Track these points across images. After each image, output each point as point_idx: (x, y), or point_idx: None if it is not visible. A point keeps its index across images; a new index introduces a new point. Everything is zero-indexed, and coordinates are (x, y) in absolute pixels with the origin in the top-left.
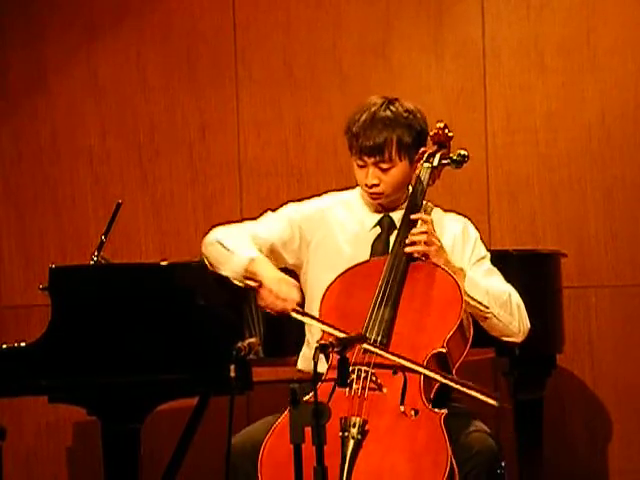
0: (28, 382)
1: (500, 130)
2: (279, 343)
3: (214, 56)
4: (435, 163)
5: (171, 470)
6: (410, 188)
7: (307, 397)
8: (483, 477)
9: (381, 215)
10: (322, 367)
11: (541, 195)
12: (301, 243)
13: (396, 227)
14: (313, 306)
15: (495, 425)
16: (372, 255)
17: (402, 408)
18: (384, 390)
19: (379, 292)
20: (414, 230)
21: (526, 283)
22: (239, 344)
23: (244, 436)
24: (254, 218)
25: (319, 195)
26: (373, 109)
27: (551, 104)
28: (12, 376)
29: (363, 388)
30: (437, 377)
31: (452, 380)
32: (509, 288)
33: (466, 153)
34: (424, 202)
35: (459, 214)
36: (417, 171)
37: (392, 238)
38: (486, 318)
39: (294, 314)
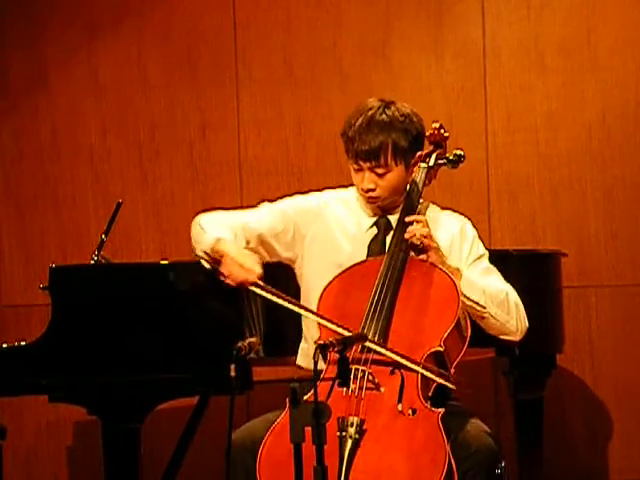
0: (28, 381)
1: (500, 130)
2: (279, 342)
3: (214, 55)
4: (431, 163)
5: (171, 469)
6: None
7: (306, 396)
8: (482, 476)
9: (378, 216)
10: (321, 364)
11: (541, 195)
12: (295, 236)
13: (392, 228)
14: (310, 298)
15: (495, 425)
16: (369, 256)
17: (400, 407)
18: (381, 389)
19: (376, 291)
20: (411, 227)
21: (526, 283)
22: (239, 343)
23: (244, 432)
24: None
25: (319, 191)
26: (369, 113)
27: (551, 104)
28: (12, 375)
29: (360, 387)
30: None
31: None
32: (507, 287)
33: (462, 153)
34: (420, 201)
35: (455, 211)
36: (414, 174)
37: (388, 239)
38: (483, 317)
39: (254, 287)
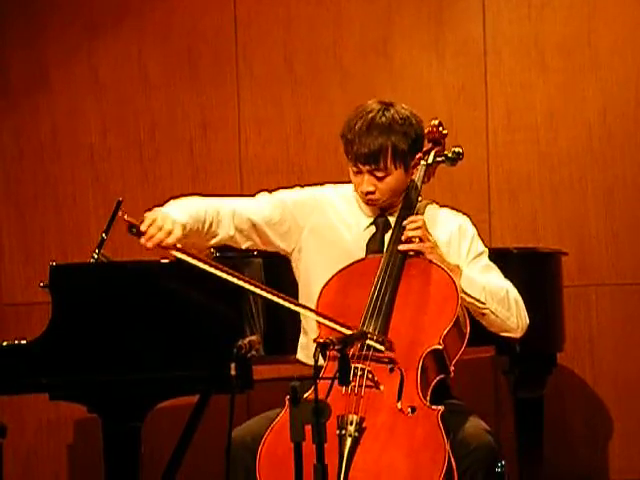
0: (29, 380)
1: (501, 128)
2: (280, 341)
3: (215, 54)
4: (430, 161)
5: (171, 468)
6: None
7: (306, 394)
8: (481, 473)
9: (376, 215)
10: (320, 360)
11: (542, 193)
12: (292, 227)
13: (391, 226)
14: (311, 290)
15: (495, 423)
16: (367, 254)
17: (399, 405)
18: (381, 387)
19: (375, 289)
20: (408, 227)
21: (527, 281)
22: (240, 342)
23: (244, 430)
24: None
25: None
26: (369, 116)
27: (552, 103)
28: (13, 374)
29: (360, 386)
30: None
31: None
32: (507, 284)
33: (461, 150)
34: (419, 199)
35: (454, 209)
36: (413, 175)
37: (387, 237)
38: (484, 314)
39: (175, 251)
